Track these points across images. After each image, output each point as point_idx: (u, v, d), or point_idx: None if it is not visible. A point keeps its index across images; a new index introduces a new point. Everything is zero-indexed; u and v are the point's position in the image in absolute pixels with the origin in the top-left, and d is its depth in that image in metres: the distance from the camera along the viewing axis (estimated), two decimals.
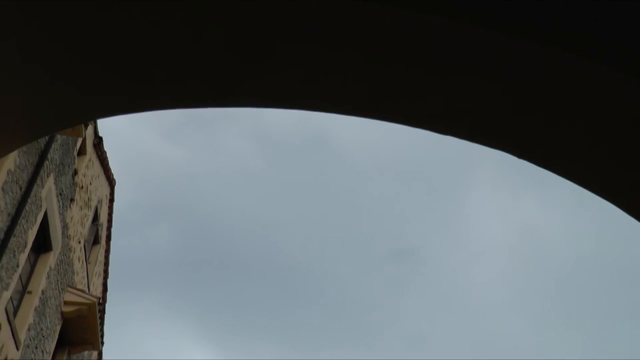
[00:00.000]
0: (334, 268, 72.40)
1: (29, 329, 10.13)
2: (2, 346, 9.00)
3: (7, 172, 8.29)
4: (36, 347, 10.78)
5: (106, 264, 17.11)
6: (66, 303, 12.35)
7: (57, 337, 12.20)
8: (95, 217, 15.03)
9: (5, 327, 9.02)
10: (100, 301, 14.77)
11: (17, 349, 9.68)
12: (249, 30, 1.68)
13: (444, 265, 67.71)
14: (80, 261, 13.64)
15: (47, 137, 9.92)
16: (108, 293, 17.59)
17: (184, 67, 1.75)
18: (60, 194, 11.24)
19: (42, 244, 10.81)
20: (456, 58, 1.81)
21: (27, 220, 9.37)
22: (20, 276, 9.67)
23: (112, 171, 16.05)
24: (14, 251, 8.97)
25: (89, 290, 14.60)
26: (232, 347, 78.88)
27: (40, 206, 10.00)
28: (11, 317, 9.28)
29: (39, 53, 1.64)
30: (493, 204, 66.04)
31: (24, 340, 9.98)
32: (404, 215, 72.05)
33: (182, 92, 1.91)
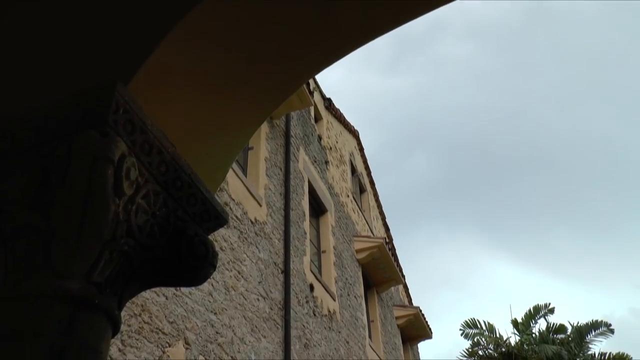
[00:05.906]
0: (600, 135, 64.03)
1: (336, 282, 11.44)
2: (321, 300, 10.37)
3: (265, 160, 9.36)
4: (348, 295, 12.14)
5: (379, 206, 18.23)
6: (358, 251, 13.58)
7: (361, 281, 13.55)
8: (353, 170, 16.07)
9: (317, 285, 10.36)
10: (387, 240, 15.85)
11: (334, 299, 11.05)
12: None
13: None
14: (355, 212, 14.79)
15: (284, 118, 10.86)
16: (392, 231, 18.77)
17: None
18: (315, 161, 12.27)
19: (317, 209, 12.02)
20: None
21: (297, 194, 10.49)
22: (310, 240, 10.95)
23: (352, 123, 16.88)
24: (297, 222, 10.16)
25: (373, 234, 15.78)
26: (522, 243, 77.13)
27: (302, 178, 11.08)
28: (318, 276, 10.61)
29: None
30: None
31: (336, 292, 11.33)
32: None
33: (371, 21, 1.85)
